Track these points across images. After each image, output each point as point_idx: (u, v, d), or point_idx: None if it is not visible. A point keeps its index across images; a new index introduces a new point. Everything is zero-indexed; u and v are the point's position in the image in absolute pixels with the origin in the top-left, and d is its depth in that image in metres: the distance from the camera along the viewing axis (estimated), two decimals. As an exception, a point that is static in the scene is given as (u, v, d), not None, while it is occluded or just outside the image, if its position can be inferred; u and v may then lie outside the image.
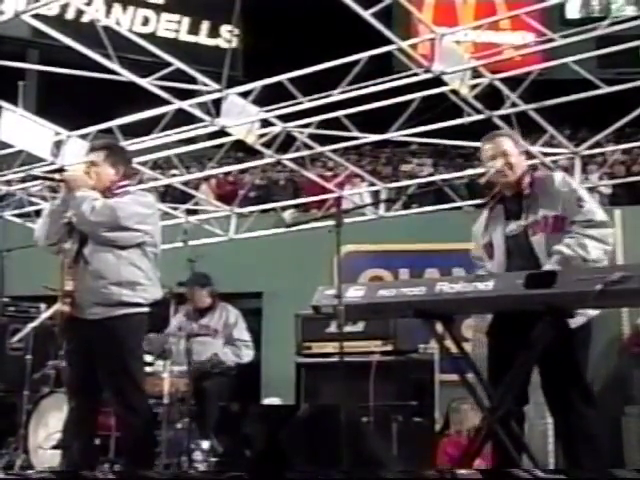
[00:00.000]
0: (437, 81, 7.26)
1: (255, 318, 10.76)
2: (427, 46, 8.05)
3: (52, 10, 17.16)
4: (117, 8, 20.67)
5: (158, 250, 4.22)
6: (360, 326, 5.92)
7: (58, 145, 8.75)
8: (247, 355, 6.82)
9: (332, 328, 5.87)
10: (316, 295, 4.27)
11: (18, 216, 10.48)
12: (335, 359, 5.21)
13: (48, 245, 4.19)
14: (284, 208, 11.23)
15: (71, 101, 17.61)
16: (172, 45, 17.52)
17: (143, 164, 9.53)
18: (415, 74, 7.21)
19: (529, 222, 3.90)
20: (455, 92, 7.44)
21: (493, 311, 3.90)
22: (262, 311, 11.48)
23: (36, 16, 6.65)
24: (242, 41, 19.53)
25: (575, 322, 3.69)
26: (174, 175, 12.23)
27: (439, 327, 3.96)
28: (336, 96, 7.58)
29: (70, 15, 18.96)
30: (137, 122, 8.55)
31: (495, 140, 4.05)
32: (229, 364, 6.66)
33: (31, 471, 5.53)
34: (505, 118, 7.96)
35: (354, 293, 4.05)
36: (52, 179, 4.32)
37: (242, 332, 6.87)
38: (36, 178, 8.83)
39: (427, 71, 6.99)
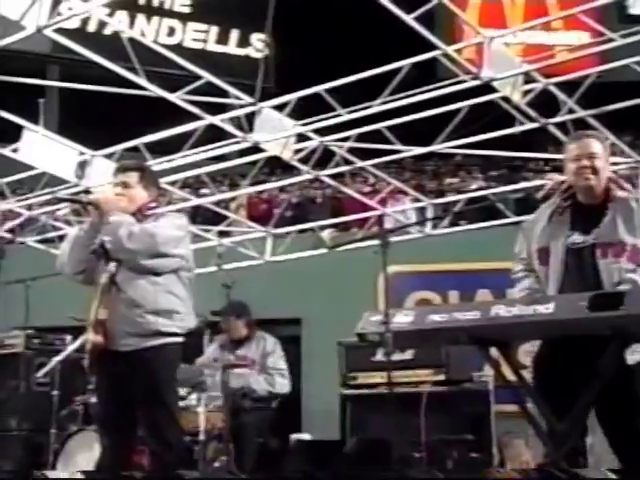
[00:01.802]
0: (486, 88, 7.25)
1: (293, 346, 10.79)
2: (473, 51, 8.06)
3: (73, 23, 17.51)
4: (141, 19, 20.94)
5: (193, 275, 4.25)
6: (409, 354, 5.90)
7: (82, 166, 8.88)
8: (282, 385, 6.81)
9: (379, 357, 5.86)
10: (361, 321, 4.26)
11: (41, 242, 10.64)
12: (383, 390, 5.22)
13: (74, 274, 4.21)
14: (323, 228, 11.26)
15: (94, 119, 17.87)
16: (200, 56, 17.66)
17: (172, 184, 9.62)
18: (462, 81, 7.21)
19: (600, 240, 3.81)
20: (506, 99, 7.42)
21: (554, 336, 3.85)
22: (301, 339, 11.51)
23: (57, 30, 6.76)
24: (274, 50, 19.68)
25: (633, 359, 3.65)
26: (204, 195, 12.34)
27: (495, 354, 3.93)
28: (377, 107, 7.60)
29: (92, 28, 19.26)
30: (165, 140, 8.65)
31: (583, 140, 3.91)
32: (261, 393, 6.66)
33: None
34: (561, 126, 7.91)
35: (402, 318, 4.04)
36: (80, 202, 4.34)
37: (277, 360, 6.88)
38: (61, 201, 8.95)
39: (475, 77, 6.98)
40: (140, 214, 4.19)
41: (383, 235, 4.50)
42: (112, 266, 4.06)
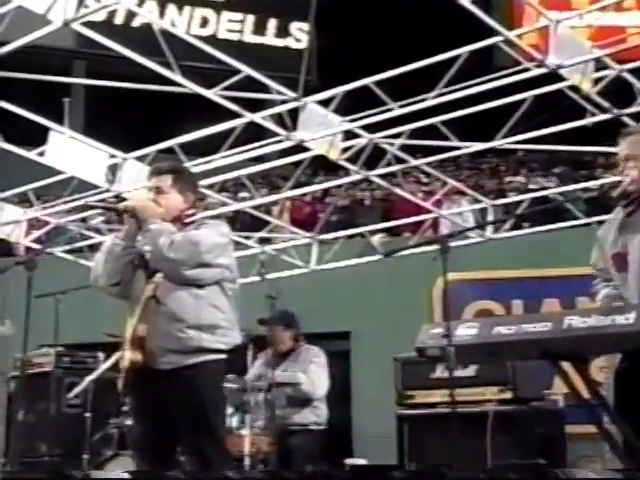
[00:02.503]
0: (552, 76, 7.19)
1: (342, 362, 10.80)
2: (535, 36, 8.01)
3: (99, 16, 17.75)
4: (171, 9, 21.11)
5: (237, 286, 4.25)
6: (471, 370, 5.86)
7: (113, 169, 8.98)
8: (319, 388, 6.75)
9: (438, 373, 5.84)
10: (420, 335, 4.24)
11: (69, 252, 10.78)
12: (444, 410, 5.19)
13: (108, 286, 4.23)
14: (372, 233, 11.25)
15: (123, 118, 18.07)
16: (235, 48, 17.80)
17: (209, 187, 9.68)
18: (526, 69, 7.16)
19: None
20: (575, 88, 7.35)
21: (636, 349, 3.81)
22: (350, 354, 11.51)
23: (83, 23, 6.84)
24: (315, 40, 19.70)
25: None
26: (243, 199, 12.41)
27: (568, 370, 3.89)
28: (431, 100, 7.58)
29: (119, 20, 19.52)
30: (201, 140, 8.71)
31: (631, 138, 3.84)
32: (304, 387, 6.59)
33: None
34: (636, 116, 7.82)
35: (465, 331, 4.01)
36: (115, 209, 4.34)
37: (314, 368, 6.81)
38: (91, 208, 9.06)
39: (540, 65, 6.92)
40: (179, 222, 4.20)
41: (443, 240, 4.47)
42: (159, 277, 4.07)
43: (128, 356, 4.04)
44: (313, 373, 6.63)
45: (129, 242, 4.14)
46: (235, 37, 21.60)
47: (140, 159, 9.03)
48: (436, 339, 4.00)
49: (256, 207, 11.04)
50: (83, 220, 10.30)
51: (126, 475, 4.47)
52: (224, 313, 4.11)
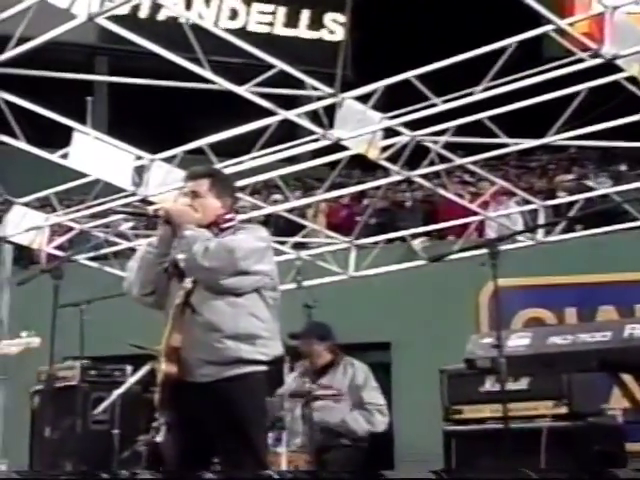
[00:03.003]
0: (608, 67, 7.13)
1: (382, 375, 10.73)
2: (588, 24, 7.96)
3: (122, 10, 17.88)
4: (199, 1, 21.23)
5: (278, 294, 4.27)
6: (523, 383, 5.82)
7: (139, 172, 9.04)
8: (381, 423, 6.82)
9: (488, 386, 5.82)
10: (469, 345, 4.25)
11: (94, 259, 10.90)
12: (495, 425, 5.17)
13: (141, 295, 4.26)
14: (414, 236, 11.23)
15: (149, 117, 18.21)
16: (266, 42, 17.87)
17: (240, 190, 9.69)
18: (579, 60, 7.11)
19: None
20: (632, 80, 7.29)
21: None
22: (391, 366, 11.50)
23: (106, 17, 6.89)
24: (351, 32, 19.71)
25: None
26: (276, 201, 12.45)
27: (629, 382, 3.87)
28: (478, 94, 7.56)
29: (143, 14, 19.69)
30: (231, 140, 8.74)
31: None
32: (361, 434, 6.68)
33: None
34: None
35: (518, 341, 4.03)
36: (147, 215, 4.36)
37: (374, 394, 6.88)
38: (119, 214, 9.12)
39: (595, 55, 6.87)
40: (216, 227, 4.22)
41: (492, 244, 4.47)
42: (188, 282, 4.10)
43: (163, 368, 4.06)
44: (374, 408, 6.76)
45: (163, 249, 4.17)
46: (265, 30, 21.67)
47: (168, 160, 9.08)
48: (486, 350, 4.01)
49: (290, 210, 11.07)
50: (108, 225, 10.36)
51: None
52: (264, 322, 4.13)
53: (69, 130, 8.48)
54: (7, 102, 8.13)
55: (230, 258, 3.99)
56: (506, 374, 3.85)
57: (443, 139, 8.69)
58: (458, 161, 9.16)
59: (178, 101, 13.90)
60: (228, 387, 4.00)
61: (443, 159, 9.05)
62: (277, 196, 13.09)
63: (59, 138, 8.63)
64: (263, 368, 4.09)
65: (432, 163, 9.04)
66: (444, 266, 7.35)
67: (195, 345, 4.03)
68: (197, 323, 4.05)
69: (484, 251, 4.44)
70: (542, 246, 10.07)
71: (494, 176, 10.42)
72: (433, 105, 7.85)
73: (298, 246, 11.11)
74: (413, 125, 8.48)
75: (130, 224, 10.37)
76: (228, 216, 4.28)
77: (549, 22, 7.05)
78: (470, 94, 7.58)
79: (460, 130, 8.55)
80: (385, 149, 8.59)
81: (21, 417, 8.25)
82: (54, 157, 8.63)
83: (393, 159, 8.87)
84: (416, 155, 8.90)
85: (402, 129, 8.49)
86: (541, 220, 10.15)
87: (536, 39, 7.43)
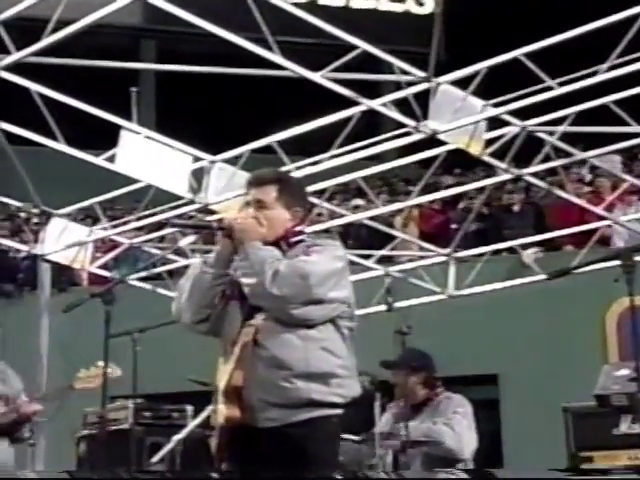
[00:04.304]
0: None
1: (489, 413, 10.71)
2: None
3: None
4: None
5: (355, 325, 4.24)
6: (667, 424, 5.74)
7: (198, 176, 9.12)
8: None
9: (624, 428, 5.73)
10: (601, 378, 4.20)
11: (146, 280, 11.01)
12: (634, 476, 5.08)
13: (194, 323, 4.27)
14: (524, 246, 11.15)
15: (205, 111, 18.33)
16: (341, 17, 17.88)
17: (316, 194, 9.70)
18: None
19: None
20: None
21: None
22: (499, 403, 11.42)
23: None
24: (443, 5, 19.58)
25: None
26: (357, 207, 12.46)
27: None
28: (602, 75, 7.48)
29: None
30: (305, 136, 8.77)
31: None
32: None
33: None
34: None
35: (662, 374, 3.95)
36: (209, 227, 4.36)
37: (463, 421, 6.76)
38: (174, 226, 9.17)
39: None
40: (285, 243, 4.21)
41: (626, 254, 4.41)
42: (259, 318, 4.08)
43: (222, 411, 4.07)
44: (458, 426, 6.60)
45: (221, 269, 4.16)
46: (340, 3, 21.69)
47: (231, 162, 9.15)
48: (622, 384, 3.96)
49: (374, 218, 11.05)
50: (162, 240, 10.47)
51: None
52: (339, 358, 4.10)
53: (114, 129, 8.57)
54: (43, 96, 8.24)
55: (303, 285, 3.95)
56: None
57: (560, 129, 8.62)
58: (579, 155, 9.07)
59: (240, 91, 13.95)
60: (297, 434, 3.98)
61: (560, 153, 8.98)
62: (358, 201, 13.09)
63: (103, 138, 8.70)
64: (338, 412, 4.07)
65: (547, 158, 8.97)
66: (561, 283, 7.26)
67: (259, 385, 4.00)
68: (261, 358, 4.02)
69: (612, 264, 4.40)
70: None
71: (622, 172, 10.30)
72: (547, 89, 7.78)
73: (386, 260, 11.10)
74: (523, 113, 8.43)
75: (190, 239, 10.48)
76: (298, 229, 4.26)
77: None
78: (593, 74, 7.51)
79: (580, 118, 8.48)
80: (490, 143, 8.56)
81: (65, 466, 8.34)
82: (99, 160, 8.75)
83: (499, 154, 8.82)
84: (527, 149, 8.84)
85: (510, 118, 8.45)
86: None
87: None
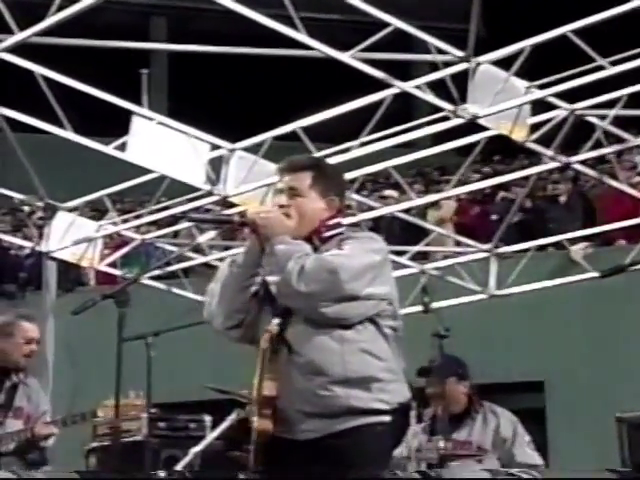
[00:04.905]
0: None
1: (534, 424, 10.67)
2: None
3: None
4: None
5: (400, 323, 4.21)
6: None
7: (216, 165, 9.14)
8: None
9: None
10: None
11: (159, 279, 11.01)
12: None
13: (227, 329, 4.25)
14: (573, 241, 11.12)
15: (222, 95, 18.34)
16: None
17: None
18: None
19: None
20: None
21: None
22: (545, 412, 11.40)
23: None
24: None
25: None
26: (388, 199, 12.44)
27: None
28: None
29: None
30: (332, 122, 8.78)
31: None
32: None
33: None
34: None
35: None
36: (230, 222, 4.32)
37: (528, 451, 6.81)
38: (191, 221, 9.16)
39: None
40: (317, 237, 4.19)
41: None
42: (274, 324, 4.07)
43: (255, 425, 4.07)
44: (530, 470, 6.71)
45: (250, 268, 4.14)
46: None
47: (252, 150, 9.17)
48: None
49: (407, 210, 11.05)
50: (176, 235, 10.48)
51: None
52: (382, 360, 4.06)
53: (125, 115, 8.62)
54: (47, 80, 8.28)
55: (333, 280, 3.91)
56: None
57: (612, 113, 8.60)
58: (632, 141, 9.04)
59: (262, 73, 13.95)
60: (338, 445, 3.95)
61: (612, 139, 8.95)
62: (390, 192, 13.07)
63: (113, 125, 8.72)
64: (383, 419, 4.03)
65: (597, 145, 8.95)
66: (614, 281, 7.25)
67: (294, 393, 3.99)
68: (296, 365, 4.00)
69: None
70: None
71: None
72: (598, 69, 7.77)
73: (421, 257, 11.09)
74: (571, 96, 8.43)
75: (208, 235, 10.45)
76: (333, 221, 4.22)
77: None
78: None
79: (634, 100, 8.46)
80: (534, 128, 8.54)
81: (74, 482, 8.39)
82: (108, 149, 8.79)
83: (545, 141, 8.80)
84: (575, 135, 8.83)
85: (557, 101, 8.45)
86: None
87: None
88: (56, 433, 6.25)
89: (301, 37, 7.49)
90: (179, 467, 6.94)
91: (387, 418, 4.00)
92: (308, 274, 3.93)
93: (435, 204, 12.75)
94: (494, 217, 12.57)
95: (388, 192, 13.20)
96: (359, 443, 3.99)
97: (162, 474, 6.79)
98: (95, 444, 8.06)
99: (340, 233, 4.19)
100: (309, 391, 3.98)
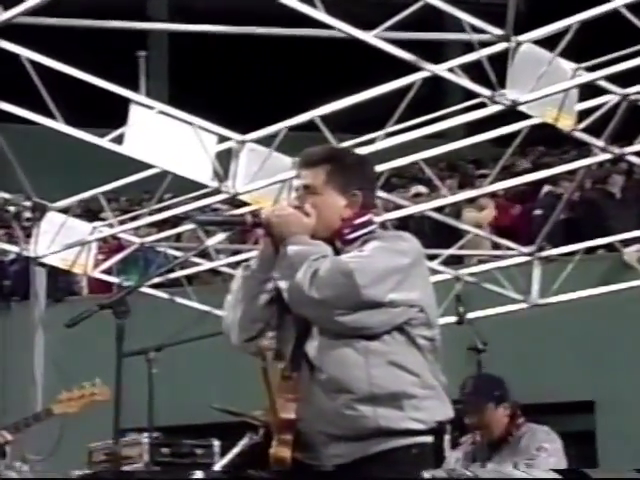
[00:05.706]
0: None
1: (584, 447, 10.69)
2: None
3: None
4: None
5: (436, 332, 4.16)
6: None
7: (224, 159, 9.16)
8: None
9: None
10: None
11: (159, 287, 10.98)
12: None
13: (245, 341, 4.20)
14: (627, 243, 11.11)
15: (229, 81, 18.36)
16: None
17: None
18: None
19: None
20: None
21: None
22: (595, 435, 11.39)
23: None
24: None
25: None
26: (417, 196, 12.46)
27: None
28: None
29: None
30: (354, 110, 8.78)
31: None
32: None
33: None
34: None
35: None
36: (242, 223, 4.33)
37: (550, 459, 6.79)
38: (197, 224, 9.18)
39: None
40: (339, 237, 4.21)
41: None
42: (269, 338, 4.06)
43: (273, 451, 4.06)
44: (546, 464, 6.63)
45: (265, 273, 4.11)
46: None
47: (264, 142, 9.20)
48: None
49: (439, 209, 11.04)
50: (178, 238, 10.49)
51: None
52: (414, 374, 4.03)
53: (121, 104, 8.63)
54: (35, 64, 8.28)
55: (348, 284, 3.86)
56: None
57: (672, 98, 8.61)
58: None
59: (274, 56, 13.98)
60: (369, 471, 3.95)
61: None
62: (420, 189, 13.08)
63: (109, 115, 8.78)
64: (420, 440, 4.01)
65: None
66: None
67: (316, 414, 3.97)
68: (317, 382, 3.98)
69: None
70: None
71: None
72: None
73: (454, 261, 11.10)
74: (624, 79, 8.43)
75: (216, 238, 10.45)
76: (360, 220, 4.18)
77: None
78: None
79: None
80: (583, 115, 8.55)
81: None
82: (103, 142, 8.80)
83: (595, 130, 8.81)
84: (629, 123, 8.83)
85: (608, 85, 8.46)
86: None
87: None
88: (11, 440, 6.32)
89: (319, 15, 7.49)
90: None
91: (425, 439, 3.96)
92: (321, 278, 3.90)
93: (472, 202, 12.71)
94: (538, 212, 12.52)
95: (417, 188, 13.22)
96: (392, 468, 3.96)
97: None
98: (87, 471, 8.04)
99: (367, 233, 4.15)
100: (333, 411, 3.97)
